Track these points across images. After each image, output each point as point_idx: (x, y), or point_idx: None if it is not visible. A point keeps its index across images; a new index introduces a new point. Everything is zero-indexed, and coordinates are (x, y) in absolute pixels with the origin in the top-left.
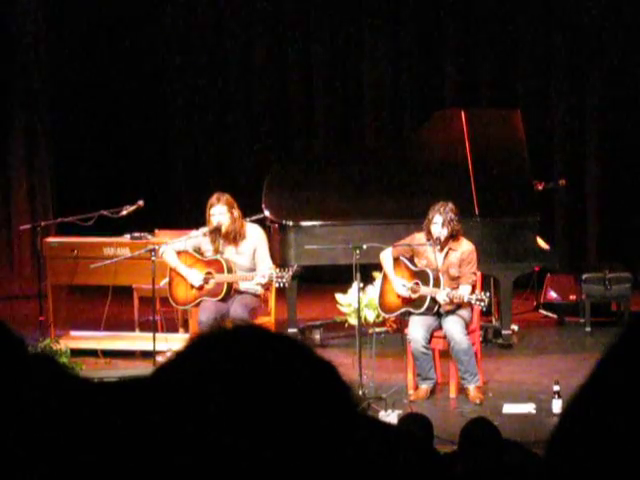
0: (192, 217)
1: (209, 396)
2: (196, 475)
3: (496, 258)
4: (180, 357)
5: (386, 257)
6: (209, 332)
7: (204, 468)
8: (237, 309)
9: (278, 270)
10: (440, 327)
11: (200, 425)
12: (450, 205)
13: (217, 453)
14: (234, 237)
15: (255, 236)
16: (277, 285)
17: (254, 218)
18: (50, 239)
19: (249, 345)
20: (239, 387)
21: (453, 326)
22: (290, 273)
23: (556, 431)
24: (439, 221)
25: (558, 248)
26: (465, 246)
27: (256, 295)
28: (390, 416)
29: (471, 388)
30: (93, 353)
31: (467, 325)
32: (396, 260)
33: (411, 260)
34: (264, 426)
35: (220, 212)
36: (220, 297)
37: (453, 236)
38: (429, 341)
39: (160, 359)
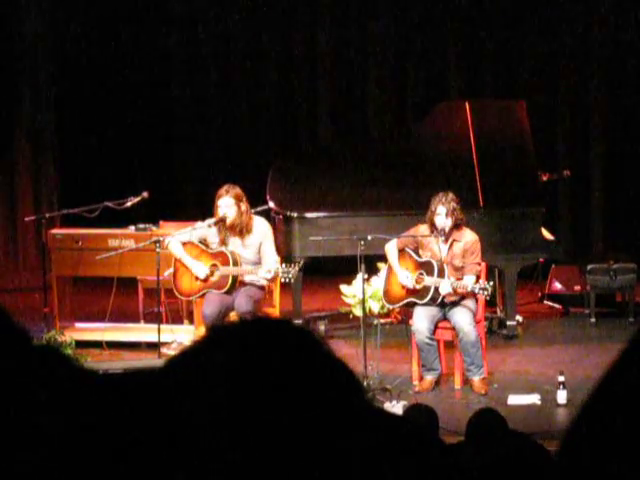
0: (197, 208)
1: (219, 391)
2: (204, 468)
3: (501, 249)
4: (194, 350)
5: (391, 248)
6: (223, 326)
7: (211, 461)
8: (242, 301)
9: (284, 265)
10: (445, 318)
11: (208, 420)
12: (451, 195)
13: (225, 446)
14: (240, 230)
15: (261, 229)
16: (283, 280)
17: (259, 209)
18: (55, 231)
19: (261, 339)
20: (249, 382)
21: (461, 317)
22: (296, 268)
23: (571, 429)
24: (443, 212)
25: (563, 239)
26: (469, 236)
27: (261, 287)
28: (395, 407)
29: (476, 380)
30: (98, 345)
31: (473, 316)
32: (401, 251)
33: (416, 251)
34: (273, 420)
35: (227, 204)
36: (225, 289)
37: (457, 226)
38: (433, 332)
39: (165, 350)
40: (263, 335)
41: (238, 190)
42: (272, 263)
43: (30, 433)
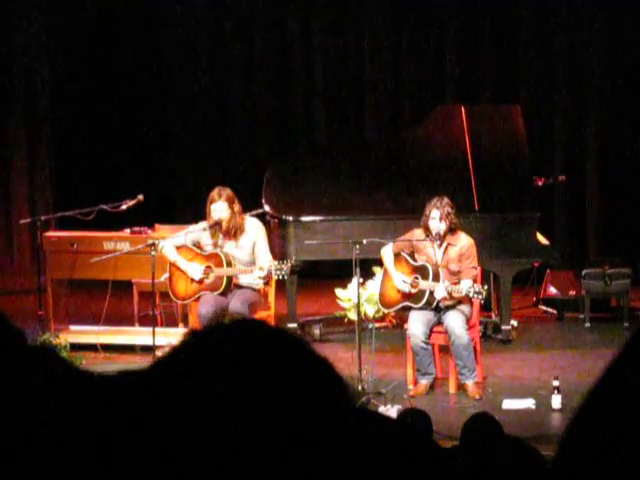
0: (192, 211)
1: (205, 391)
2: (193, 468)
3: (496, 254)
4: (177, 351)
5: (387, 252)
6: (207, 327)
7: (199, 462)
8: (236, 304)
9: (277, 262)
10: (440, 322)
11: (195, 420)
12: (446, 199)
13: (213, 447)
14: (234, 232)
15: (254, 230)
16: (276, 277)
17: (254, 213)
18: (50, 233)
19: (246, 340)
20: (235, 382)
21: (454, 320)
22: (289, 265)
23: (567, 434)
24: (437, 216)
25: (558, 244)
26: (464, 240)
27: (256, 290)
28: (390, 411)
29: (469, 384)
30: (93, 347)
31: (467, 320)
32: (397, 255)
33: (411, 256)
34: (259, 422)
35: (221, 208)
36: (220, 291)
37: (452, 230)
38: (429, 336)
39: (160, 354)
40: (247, 336)
41: (230, 192)
42: (265, 263)
43: (24, 433)
